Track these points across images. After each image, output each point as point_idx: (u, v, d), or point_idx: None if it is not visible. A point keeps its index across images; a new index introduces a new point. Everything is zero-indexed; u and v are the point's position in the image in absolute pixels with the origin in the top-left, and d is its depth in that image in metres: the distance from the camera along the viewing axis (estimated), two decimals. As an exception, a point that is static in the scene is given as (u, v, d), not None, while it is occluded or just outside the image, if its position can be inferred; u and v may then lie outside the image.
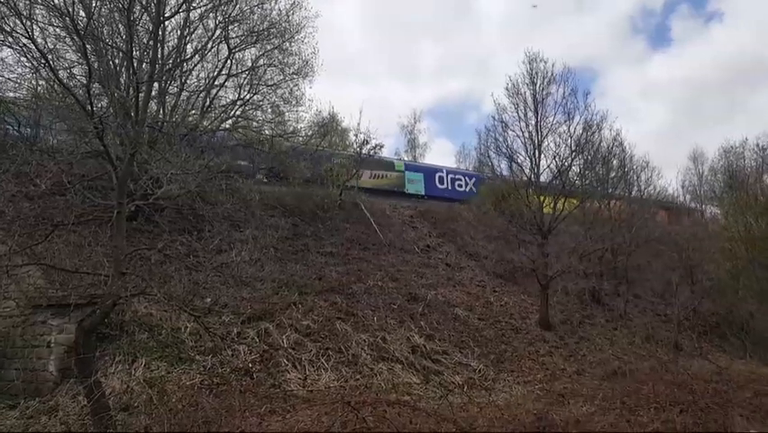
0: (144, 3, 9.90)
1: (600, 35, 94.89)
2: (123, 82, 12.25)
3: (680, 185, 34.13)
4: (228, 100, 16.27)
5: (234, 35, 15.18)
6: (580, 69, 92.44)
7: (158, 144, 11.35)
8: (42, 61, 9.38)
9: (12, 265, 7.99)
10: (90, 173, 12.07)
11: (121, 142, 8.68)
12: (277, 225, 16.29)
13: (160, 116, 14.57)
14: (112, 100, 8.94)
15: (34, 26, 9.34)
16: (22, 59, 11.75)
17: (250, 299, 12.05)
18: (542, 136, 17.02)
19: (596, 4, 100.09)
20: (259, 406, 8.13)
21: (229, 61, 15.34)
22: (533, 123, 17.10)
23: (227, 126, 16.70)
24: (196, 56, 15.01)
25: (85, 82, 8.28)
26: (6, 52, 12.01)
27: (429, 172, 27.36)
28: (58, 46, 12.05)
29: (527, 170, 17.31)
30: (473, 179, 27.57)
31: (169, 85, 14.90)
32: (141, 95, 8.56)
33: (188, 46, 15.05)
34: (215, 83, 15.65)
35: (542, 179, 17.32)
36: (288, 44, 16.51)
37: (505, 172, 18.96)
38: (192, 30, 14.91)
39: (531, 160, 17.17)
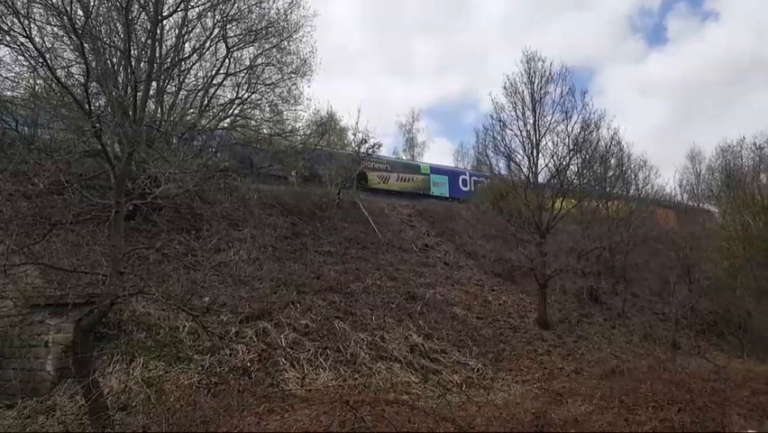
0: (142, 2, 9.89)
1: (599, 35, 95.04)
2: (121, 81, 12.21)
3: (677, 184, 34.20)
4: (226, 99, 16.25)
5: (232, 34, 15.14)
6: (578, 68, 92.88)
7: (156, 143, 11.32)
8: (40, 60, 9.35)
9: (9, 264, 7.96)
10: (88, 172, 12.02)
11: (119, 141, 8.66)
12: (275, 225, 16.27)
13: (158, 115, 14.53)
14: (110, 99, 8.91)
15: (32, 25, 9.31)
16: (20, 57, 11.71)
17: (248, 298, 12.03)
18: (540, 135, 17.03)
19: (595, 4, 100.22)
20: (257, 405, 8.12)
21: (227, 60, 15.30)
22: (531, 122, 17.11)
23: (225, 125, 16.67)
24: (194, 55, 14.96)
25: (83, 81, 8.26)
26: (4, 51, 11.96)
27: (453, 175, 28.05)
28: (55, 45, 11.99)
29: (525, 170, 17.34)
30: None
31: (167, 84, 14.86)
32: (139, 94, 8.58)
33: (186, 45, 15.02)
34: (213, 82, 15.60)
35: (540, 178, 17.34)
36: (286, 43, 16.47)
37: (503, 171, 19.01)
38: (190, 29, 14.86)
39: (529, 159, 17.18)
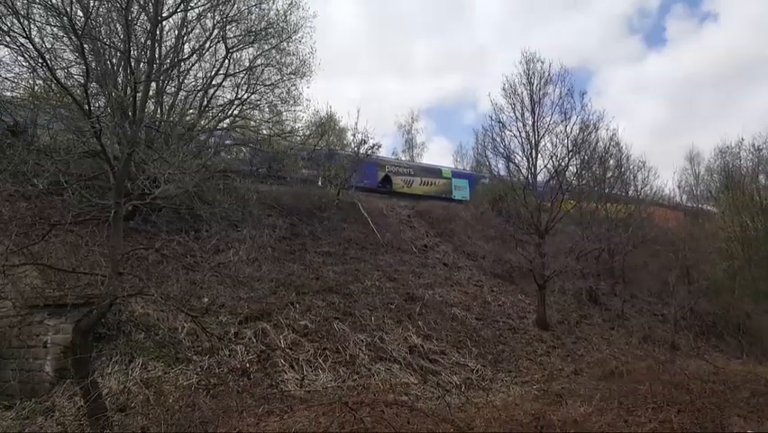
0: (142, 2, 9.89)
1: (598, 35, 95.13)
2: (120, 81, 12.25)
3: (676, 185, 34.26)
4: (226, 100, 16.28)
5: (232, 35, 15.17)
6: (577, 68, 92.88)
7: (155, 144, 11.32)
8: (40, 61, 9.37)
9: (8, 265, 7.93)
10: (87, 173, 11.98)
11: (118, 142, 8.63)
12: (274, 225, 16.27)
13: (158, 116, 14.54)
14: (109, 100, 8.93)
15: (32, 25, 9.33)
16: (20, 58, 11.75)
17: (247, 298, 12.02)
18: (539, 136, 17.08)
19: (593, 5, 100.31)
20: (256, 406, 8.10)
21: (226, 61, 15.33)
22: (530, 123, 17.17)
23: (225, 126, 16.68)
24: (194, 56, 14.99)
25: (82, 81, 8.26)
26: (3, 51, 12.00)
27: (473, 179, 28.33)
28: (55, 45, 12.01)
29: (524, 170, 17.36)
30: None
31: (167, 84, 14.88)
32: (139, 94, 8.58)
33: (186, 46, 15.05)
34: (213, 83, 15.63)
35: (539, 179, 17.36)
36: (285, 44, 16.51)
37: (502, 172, 19.03)
38: (190, 29, 14.89)
39: (528, 160, 17.22)
